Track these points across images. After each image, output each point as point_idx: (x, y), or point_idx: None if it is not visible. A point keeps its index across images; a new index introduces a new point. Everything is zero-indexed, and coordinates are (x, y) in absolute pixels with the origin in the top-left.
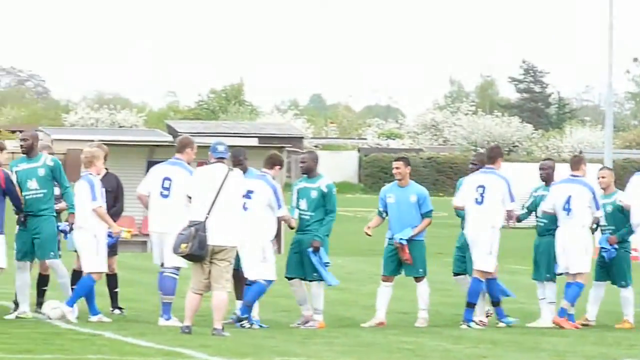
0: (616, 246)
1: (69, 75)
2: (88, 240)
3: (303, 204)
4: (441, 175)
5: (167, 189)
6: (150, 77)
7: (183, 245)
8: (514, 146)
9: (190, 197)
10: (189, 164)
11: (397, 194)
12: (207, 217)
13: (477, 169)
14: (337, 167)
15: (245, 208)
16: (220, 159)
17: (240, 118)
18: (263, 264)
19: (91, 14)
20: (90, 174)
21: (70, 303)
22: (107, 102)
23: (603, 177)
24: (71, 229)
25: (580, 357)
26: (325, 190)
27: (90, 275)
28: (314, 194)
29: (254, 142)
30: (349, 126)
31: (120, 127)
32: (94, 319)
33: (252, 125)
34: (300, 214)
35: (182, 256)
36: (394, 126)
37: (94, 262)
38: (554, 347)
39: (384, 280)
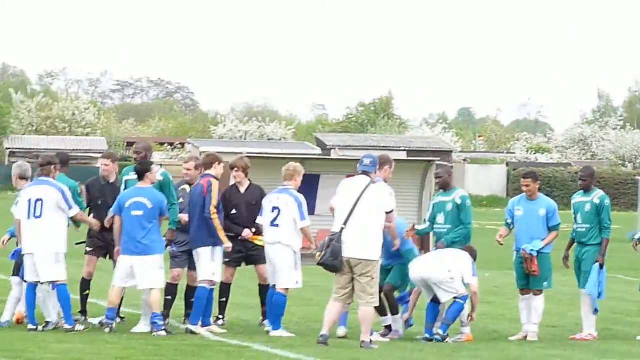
0: None
1: (218, 88)
2: (289, 256)
3: (440, 218)
4: None
5: None
6: (299, 90)
7: (317, 254)
8: None
9: (333, 209)
10: (385, 181)
11: (526, 207)
12: (342, 229)
13: (587, 184)
14: (486, 181)
15: None
16: (365, 173)
17: (389, 131)
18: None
19: (240, 27)
20: (292, 188)
21: (277, 326)
22: (255, 115)
23: None
24: (167, 245)
25: None
26: (459, 202)
27: (282, 292)
28: (450, 207)
29: (403, 155)
30: (498, 140)
31: (269, 139)
32: (275, 333)
33: (401, 139)
34: (437, 228)
35: (317, 264)
36: (542, 140)
37: (293, 277)
38: None
39: (522, 294)
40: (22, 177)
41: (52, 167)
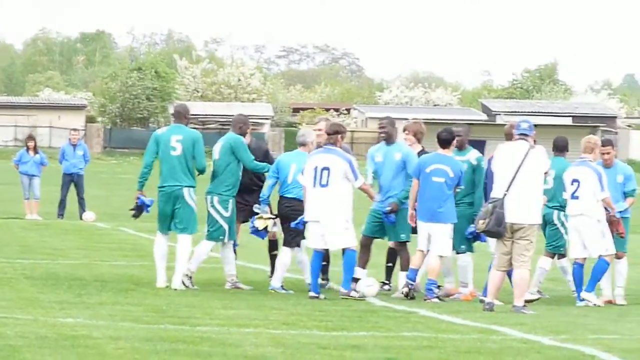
0: None
1: (383, 54)
2: (592, 225)
3: None
4: None
5: None
6: (464, 56)
7: (480, 222)
8: None
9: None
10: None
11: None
12: (505, 195)
13: None
14: None
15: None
16: (523, 136)
17: (554, 97)
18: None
19: None
20: (590, 160)
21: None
22: (421, 81)
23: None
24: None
25: None
26: (474, 162)
27: (603, 258)
28: (465, 167)
29: (568, 121)
30: None
31: (435, 105)
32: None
33: (566, 105)
34: None
35: (480, 232)
36: None
37: (604, 245)
38: None
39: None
40: (301, 144)
41: (339, 136)
